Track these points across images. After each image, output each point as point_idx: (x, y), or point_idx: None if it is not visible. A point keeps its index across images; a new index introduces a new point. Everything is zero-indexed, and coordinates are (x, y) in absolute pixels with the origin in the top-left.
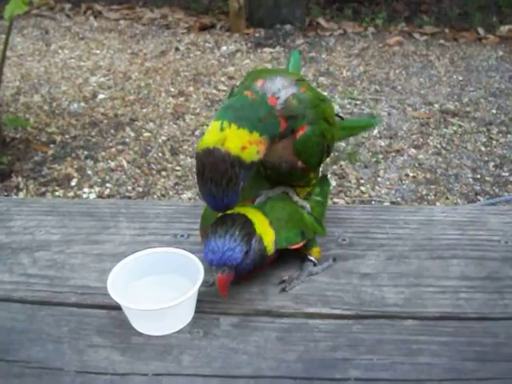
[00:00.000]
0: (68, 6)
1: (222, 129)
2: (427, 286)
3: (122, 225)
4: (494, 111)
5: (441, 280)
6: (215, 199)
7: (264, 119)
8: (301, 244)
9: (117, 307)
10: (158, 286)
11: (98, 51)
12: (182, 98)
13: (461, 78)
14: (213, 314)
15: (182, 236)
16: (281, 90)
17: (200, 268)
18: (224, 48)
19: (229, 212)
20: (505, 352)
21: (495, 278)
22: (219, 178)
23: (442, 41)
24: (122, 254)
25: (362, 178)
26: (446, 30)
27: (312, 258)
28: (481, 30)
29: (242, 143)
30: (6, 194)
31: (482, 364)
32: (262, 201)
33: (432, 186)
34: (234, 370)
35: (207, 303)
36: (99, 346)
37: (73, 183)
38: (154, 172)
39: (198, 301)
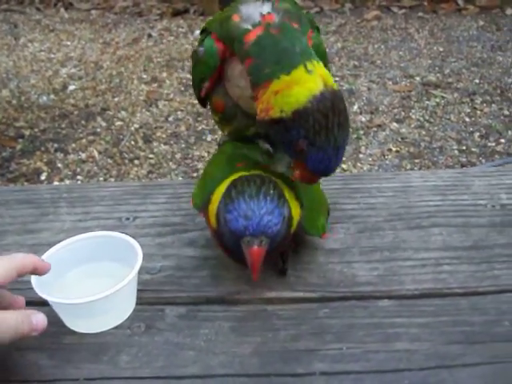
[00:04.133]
0: None
1: (309, 71)
2: (405, 260)
3: (62, 210)
4: (477, 81)
5: (420, 252)
6: (339, 152)
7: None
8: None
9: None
10: (93, 277)
11: (68, 43)
12: (154, 85)
13: (441, 50)
14: (157, 305)
15: (128, 219)
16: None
17: (138, 253)
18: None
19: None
20: (496, 331)
21: (482, 247)
22: (346, 123)
23: (420, 13)
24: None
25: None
26: (425, 3)
27: None
28: (460, 1)
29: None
30: None
31: (469, 347)
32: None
33: (416, 160)
34: (177, 370)
35: (151, 292)
36: (28, 348)
37: (42, 177)
38: (127, 161)
39: (140, 291)
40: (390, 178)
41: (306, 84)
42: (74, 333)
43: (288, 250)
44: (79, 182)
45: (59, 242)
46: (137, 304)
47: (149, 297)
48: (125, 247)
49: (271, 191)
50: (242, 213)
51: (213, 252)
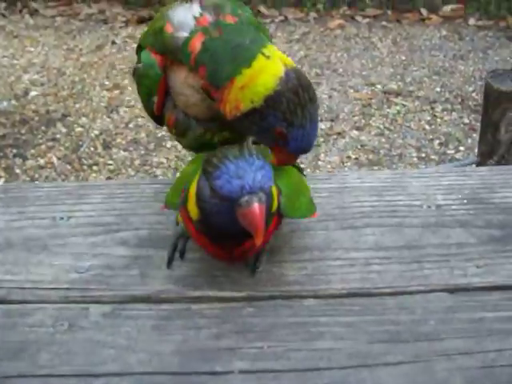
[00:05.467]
0: (3, 5)
1: (268, 57)
2: (334, 260)
3: None
4: (438, 89)
5: (350, 252)
6: (316, 127)
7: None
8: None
9: None
10: None
11: (32, 49)
12: (116, 91)
13: (404, 58)
14: (82, 304)
15: (62, 219)
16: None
17: None
18: None
19: None
20: (421, 330)
21: (414, 247)
22: (315, 96)
23: (384, 22)
24: None
25: (301, 163)
26: (389, 12)
27: None
28: (424, 11)
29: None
30: None
31: (392, 346)
32: None
33: (375, 167)
34: (96, 368)
35: (77, 291)
36: None
37: (0, 182)
38: (85, 167)
39: (66, 289)
40: (326, 179)
41: (269, 70)
42: None
43: (264, 248)
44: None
45: None
46: (62, 302)
47: (75, 295)
48: None
49: (253, 151)
50: (233, 174)
51: (144, 251)
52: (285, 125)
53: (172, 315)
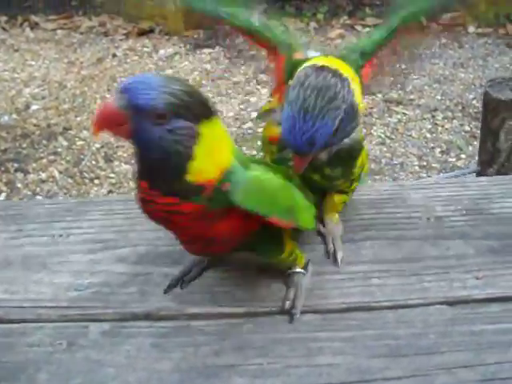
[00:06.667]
0: (4, 18)
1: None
2: (333, 274)
3: None
4: (439, 97)
5: (350, 266)
6: (305, 118)
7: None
8: (284, 224)
9: None
10: None
11: (33, 62)
12: None
13: (404, 67)
14: (82, 322)
15: (61, 236)
16: None
17: None
18: (162, 51)
19: None
20: (421, 344)
21: (413, 259)
22: (324, 90)
23: None
24: None
25: None
26: None
27: (299, 270)
28: (423, 19)
29: (350, 74)
30: None
31: (392, 360)
32: None
33: (377, 177)
34: None
35: (76, 309)
36: None
37: (1, 197)
38: (87, 181)
39: (65, 308)
40: None
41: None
42: None
43: (289, 295)
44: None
45: None
46: (61, 321)
47: (74, 314)
48: None
49: None
50: None
51: (143, 268)
52: None
53: (171, 332)
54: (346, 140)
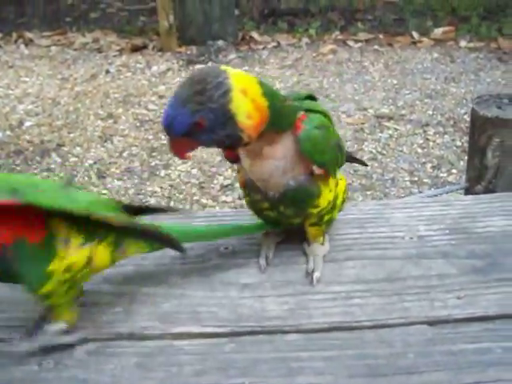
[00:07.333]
0: None
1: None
2: (315, 294)
3: None
4: (430, 112)
5: (332, 285)
6: (171, 103)
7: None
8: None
9: None
10: None
11: (27, 79)
12: (110, 121)
13: (395, 82)
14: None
15: None
16: None
17: None
18: (155, 68)
19: None
20: (400, 364)
21: (395, 279)
22: (195, 83)
23: (376, 46)
24: None
25: None
26: (381, 36)
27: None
28: (415, 34)
29: (244, 86)
30: None
31: (371, 380)
32: None
33: (368, 192)
34: None
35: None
36: None
37: None
38: None
39: None
40: None
41: None
42: None
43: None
44: None
45: None
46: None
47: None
48: None
49: None
50: None
51: (128, 288)
52: None
53: (155, 352)
54: (291, 182)
